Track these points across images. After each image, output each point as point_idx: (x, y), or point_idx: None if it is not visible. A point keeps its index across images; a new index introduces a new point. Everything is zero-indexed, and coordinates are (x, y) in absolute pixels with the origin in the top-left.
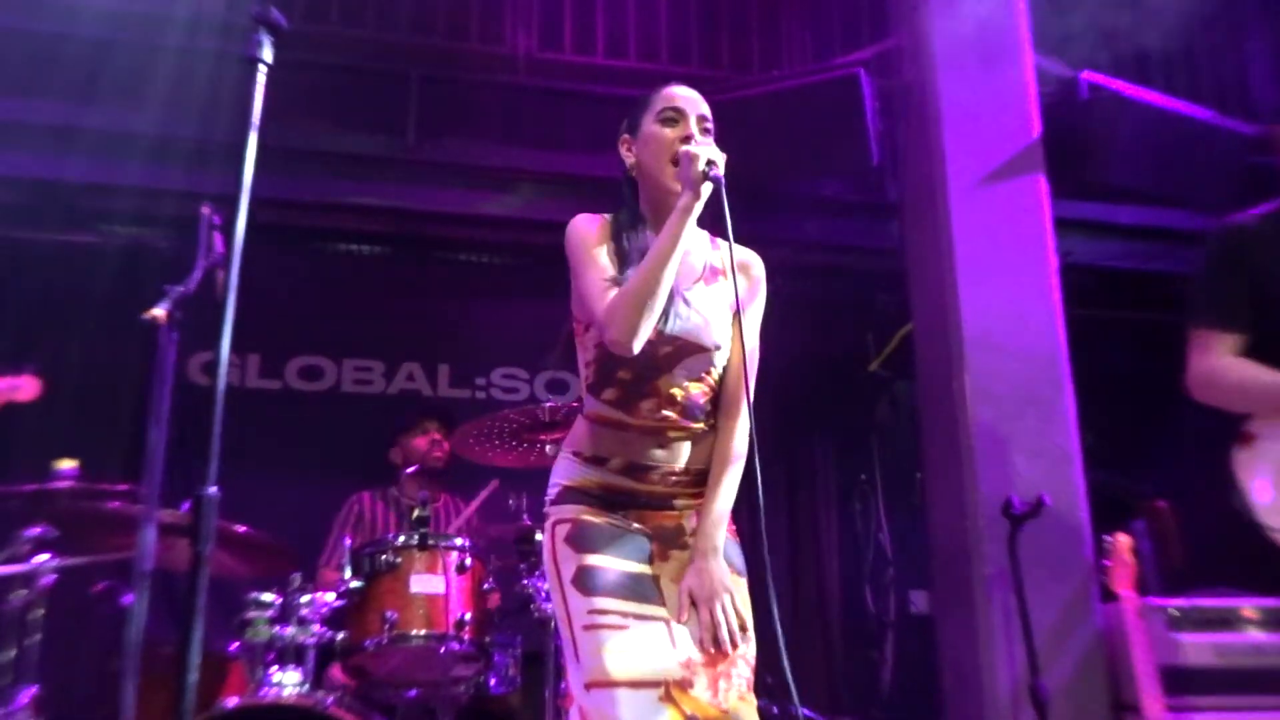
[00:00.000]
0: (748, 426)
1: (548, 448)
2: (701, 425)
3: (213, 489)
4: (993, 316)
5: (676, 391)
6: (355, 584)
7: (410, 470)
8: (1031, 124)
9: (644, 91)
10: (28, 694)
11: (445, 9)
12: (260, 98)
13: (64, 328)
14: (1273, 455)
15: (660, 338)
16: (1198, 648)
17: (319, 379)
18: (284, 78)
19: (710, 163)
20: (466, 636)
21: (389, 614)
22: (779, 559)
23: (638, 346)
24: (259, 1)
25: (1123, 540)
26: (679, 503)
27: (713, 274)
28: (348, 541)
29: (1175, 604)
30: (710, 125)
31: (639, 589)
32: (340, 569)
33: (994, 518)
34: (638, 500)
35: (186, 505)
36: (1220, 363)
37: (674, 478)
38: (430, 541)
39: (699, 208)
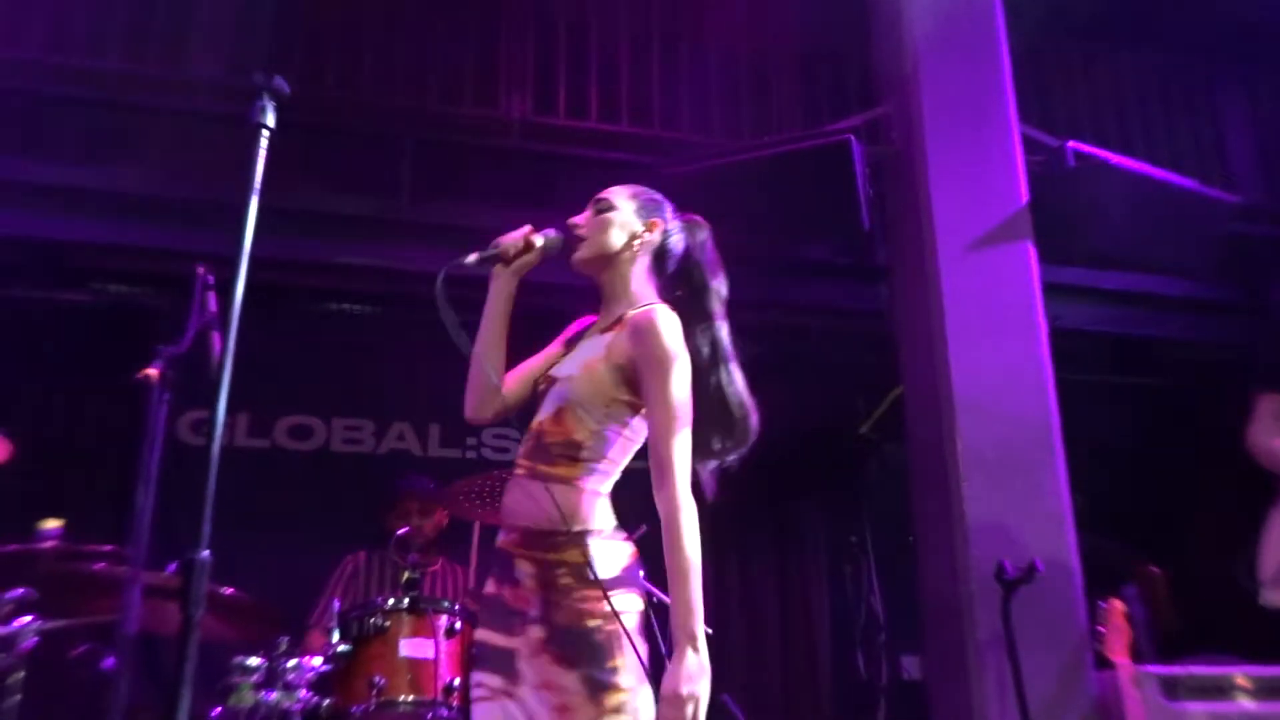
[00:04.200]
0: (684, 519)
1: None
2: (545, 469)
3: (205, 552)
4: (984, 380)
5: (536, 425)
6: (343, 648)
7: (401, 532)
8: (1019, 190)
9: (635, 157)
10: None
11: (440, 73)
12: (262, 163)
13: (51, 386)
14: None
15: (547, 379)
16: (1192, 716)
17: (308, 438)
18: (277, 139)
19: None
20: (454, 703)
21: (377, 679)
22: (768, 623)
23: (472, 413)
24: (263, 69)
25: (1117, 606)
26: (518, 566)
27: (612, 327)
28: (336, 604)
29: (1170, 671)
30: (600, 201)
31: (500, 663)
32: (328, 632)
33: (986, 581)
34: (500, 560)
35: (172, 567)
36: None
37: (513, 534)
38: (420, 605)
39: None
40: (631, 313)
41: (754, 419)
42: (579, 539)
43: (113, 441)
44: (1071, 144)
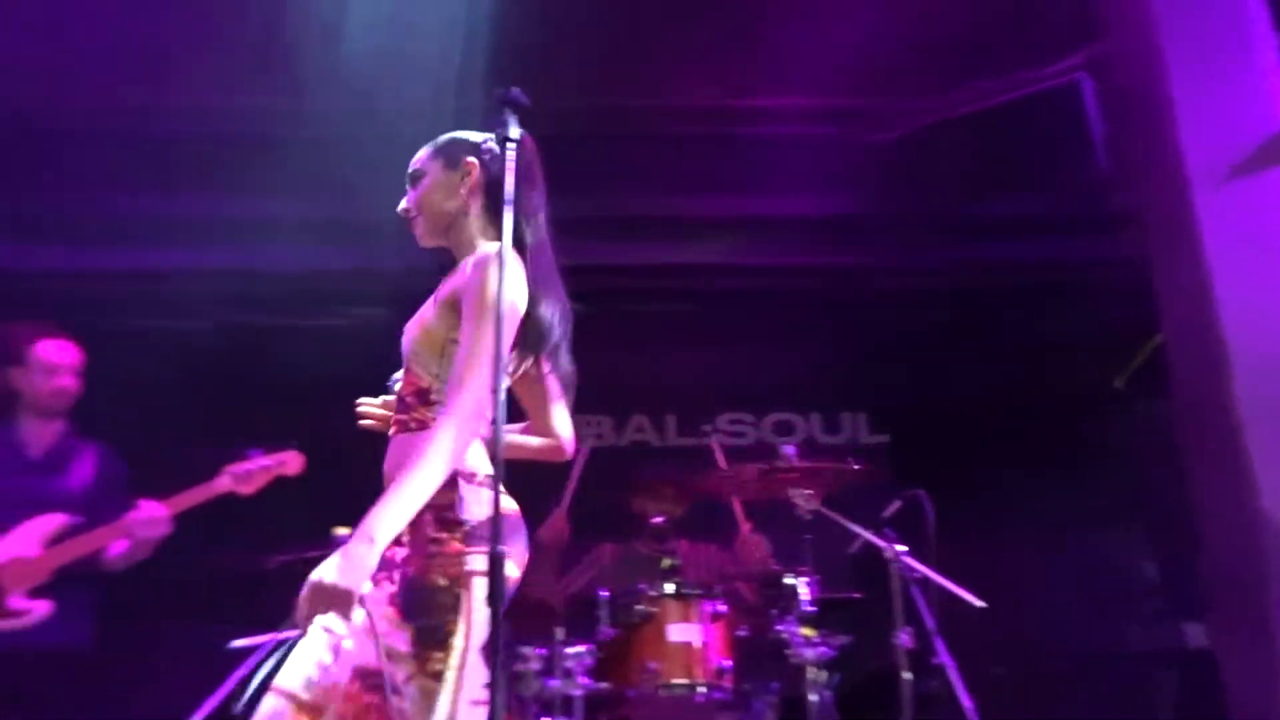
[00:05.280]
0: (448, 424)
1: (790, 490)
2: (404, 419)
3: (502, 548)
4: (1256, 320)
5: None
6: (613, 634)
7: (656, 520)
8: (1274, 116)
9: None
10: None
11: (633, 66)
12: (512, 174)
13: (325, 405)
14: None
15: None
16: None
17: None
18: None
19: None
20: (727, 684)
21: (650, 664)
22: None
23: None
24: (503, 86)
25: None
26: None
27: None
28: (604, 593)
29: None
30: (412, 174)
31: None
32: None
33: None
34: None
35: None
36: None
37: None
38: (683, 591)
39: None
40: (470, 258)
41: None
42: (446, 482)
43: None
44: None
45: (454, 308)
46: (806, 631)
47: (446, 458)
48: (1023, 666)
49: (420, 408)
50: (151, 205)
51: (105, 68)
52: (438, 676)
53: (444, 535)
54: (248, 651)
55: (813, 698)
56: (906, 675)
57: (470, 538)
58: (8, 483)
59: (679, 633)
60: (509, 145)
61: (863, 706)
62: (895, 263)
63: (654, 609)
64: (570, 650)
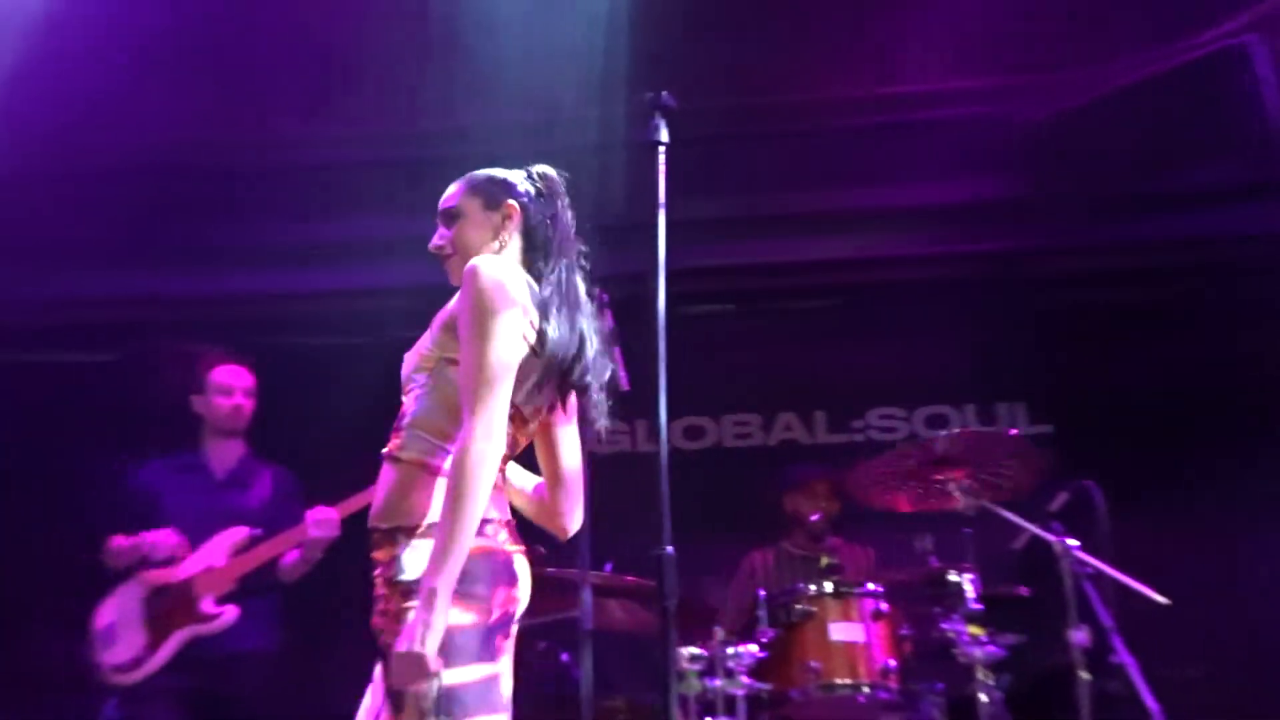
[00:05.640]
0: (457, 464)
1: (950, 485)
2: (387, 448)
3: (669, 548)
4: None
5: None
6: (774, 634)
7: (813, 519)
8: None
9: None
10: None
11: (772, 63)
12: (663, 178)
13: None
14: None
15: None
16: None
17: (701, 438)
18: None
19: None
20: (892, 684)
21: (812, 663)
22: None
23: None
24: (647, 90)
25: None
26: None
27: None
28: (761, 592)
29: None
30: (445, 213)
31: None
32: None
33: None
34: None
35: (608, 567)
36: None
37: None
38: (843, 589)
39: None
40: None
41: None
42: (390, 534)
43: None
44: None
45: (450, 330)
46: (974, 630)
47: (474, 493)
48: (1215, 668)
49: (395, 437)
50: (322, 231)
51: (270, 102)
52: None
53: (387, 591)
54: None
55: (983, 698)
56: (1084, 675)
57: (409, 594)
58: (200, 502)
59: (841, 631)
60: (660, 150)
61: (1035, 707)
62: (1057, 244)
63: (814, 608)
64: (731, 650)
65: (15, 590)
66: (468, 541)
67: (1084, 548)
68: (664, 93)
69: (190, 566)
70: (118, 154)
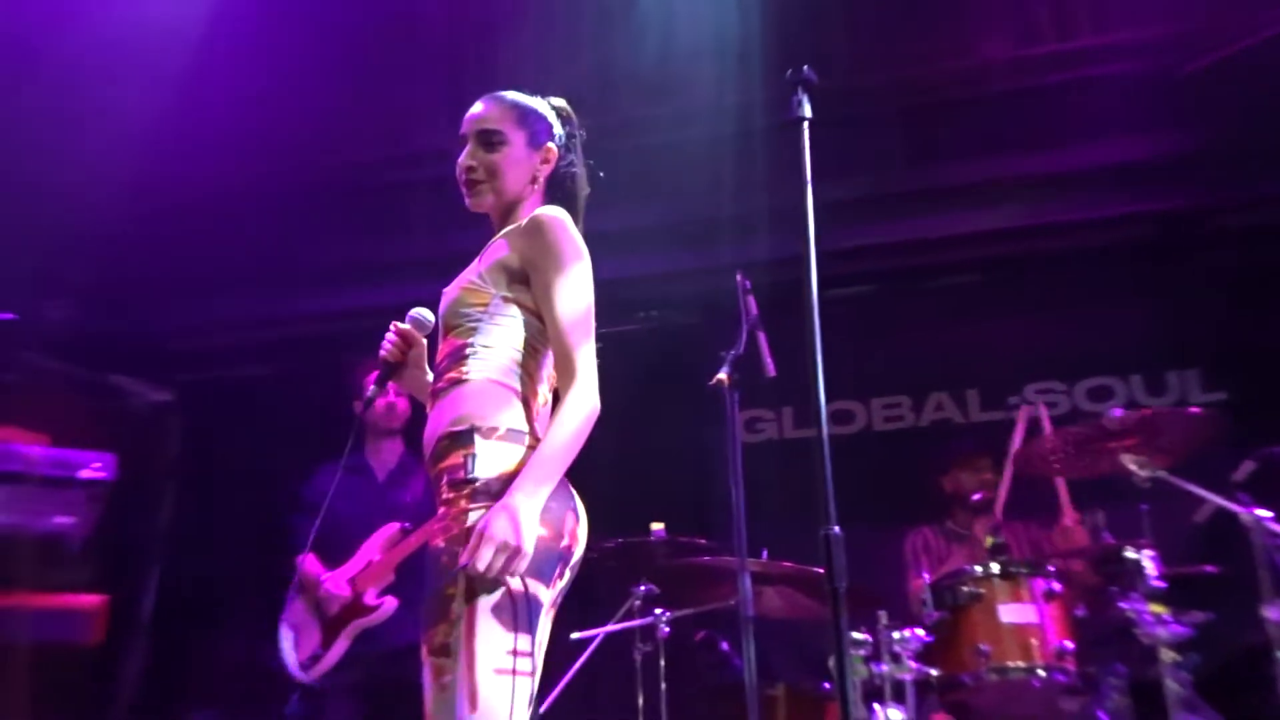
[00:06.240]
0: (578, 398)
1: (1123, 456)
2: (439, 386)
3: (835, 528)
4: None
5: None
6: (938, 616)
7: (976, 498)
8: None
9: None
10: None
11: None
12: (807, 154)
13: (631, 408)
14: None
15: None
16: None
17: (850, 422)
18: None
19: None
20: (1069, 667)
21: (982, 646)
22: None
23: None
24: (795, 66)
25: None
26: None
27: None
28: (926, 576)
29: None
30: (486, 134)
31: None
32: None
33: None
34: None
35: (764, 554)
36: None
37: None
38: (1011, 569)
39: None
40: (523, 222)
41: None
42: (462, 438)
43: (689, 446)
44: None
45: (506, 270)
46: (1157, 609)
47: (580, 443)
48: None
49: (455, 368)
50: (460, 240)
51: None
52: (444, 651)
53: (452, 495)
54: (585, 643)
55: (1170, 681)
56: None
57: (476, 495)
58: (363, 502)
59: (1011, 613)
60: (804, 126)
61: (1228, 689)
62: (1225, 200)
63: (981, 589)
64: (896, 635)
65: (211, 591)
66: (556, 480)
67: (1276, 519)
68: (806, 68)
69: (354, 564)
70: (277, 181)
